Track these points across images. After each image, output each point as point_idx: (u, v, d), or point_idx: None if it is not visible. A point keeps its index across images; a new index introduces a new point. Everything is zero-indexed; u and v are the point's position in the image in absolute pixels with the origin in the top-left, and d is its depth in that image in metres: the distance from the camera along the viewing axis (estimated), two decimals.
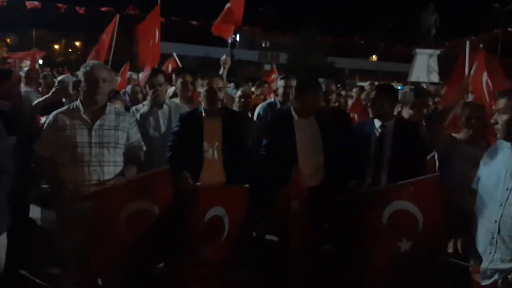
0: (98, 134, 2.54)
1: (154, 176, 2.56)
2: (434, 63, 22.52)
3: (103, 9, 15.48)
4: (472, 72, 3.00)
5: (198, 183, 2.70)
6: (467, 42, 3.06)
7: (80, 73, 2.59)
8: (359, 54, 41.93)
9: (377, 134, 2.92)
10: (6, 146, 2.37)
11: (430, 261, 2.53)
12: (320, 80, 3.73)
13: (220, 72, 3.90)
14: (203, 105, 2.90)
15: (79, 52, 35.80)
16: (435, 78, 21.72)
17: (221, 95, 2.85)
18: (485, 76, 3.21)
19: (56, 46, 39.63)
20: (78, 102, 2.61)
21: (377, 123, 2.95)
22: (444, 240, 2.26)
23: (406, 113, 3.64)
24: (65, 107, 2.68)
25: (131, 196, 2.45)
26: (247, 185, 2.63)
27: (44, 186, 3.33)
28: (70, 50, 38.93)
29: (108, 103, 2.66)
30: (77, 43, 39.64)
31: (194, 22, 21.44)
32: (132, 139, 2.73)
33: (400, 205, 2.52)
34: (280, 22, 40.60)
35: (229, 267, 2.67)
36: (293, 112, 3.05)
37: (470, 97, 2.92)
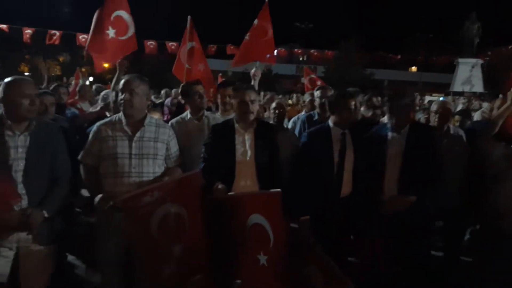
0: (138, 145, 2.58)
1: (185, 179, 2.54)
2: (477, 72, 21.49)
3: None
4: None
5: (231, 193, 2.69)
6: None
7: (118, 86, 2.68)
8: (398, 65, 40.78)
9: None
10: (67, 159, 2.54)
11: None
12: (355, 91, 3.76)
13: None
14: (235, 117, 2.95)
15: (126, 70, 37.40)
16: (479, 88, 20.71)
17: (254, 107, 2.86)
18: None
19: (106, 65, 41.89)
20: (121, 114, 2.66)
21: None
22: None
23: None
24: (108, 118, 2.73)
25: (162, 200, 2.41)
26: (279, 190, 2.57)
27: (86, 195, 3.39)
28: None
29: (148, 115, 2.70)
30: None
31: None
32: (171, 150, 2.75)
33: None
34: (318, 37, 40.52)
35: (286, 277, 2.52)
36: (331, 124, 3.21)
37: None
